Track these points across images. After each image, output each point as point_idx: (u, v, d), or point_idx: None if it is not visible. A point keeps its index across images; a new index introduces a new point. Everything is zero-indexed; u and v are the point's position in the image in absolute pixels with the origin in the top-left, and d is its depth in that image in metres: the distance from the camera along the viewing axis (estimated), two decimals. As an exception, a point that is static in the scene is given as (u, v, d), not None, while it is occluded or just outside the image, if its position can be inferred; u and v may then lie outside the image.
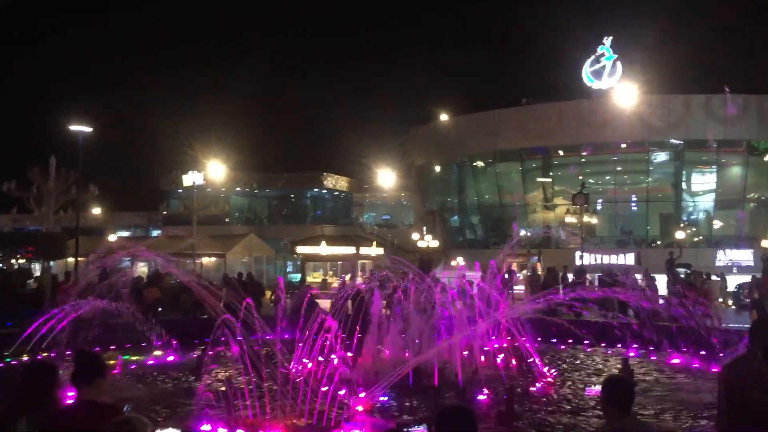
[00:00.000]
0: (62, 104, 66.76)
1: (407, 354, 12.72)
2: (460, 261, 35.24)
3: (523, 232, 44.07)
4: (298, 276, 39.26)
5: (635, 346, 15.81)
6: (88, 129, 27.35)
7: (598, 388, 10.82)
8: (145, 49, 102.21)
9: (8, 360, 13.15)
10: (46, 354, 12.98)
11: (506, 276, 23.56)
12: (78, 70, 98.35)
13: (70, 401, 4.24)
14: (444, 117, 46.14)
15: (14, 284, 25.36)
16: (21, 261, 35.29)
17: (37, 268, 35.69)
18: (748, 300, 22.94)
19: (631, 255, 37.57)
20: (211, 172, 41.62)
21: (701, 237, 40.37)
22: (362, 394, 10.11)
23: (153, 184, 60.91)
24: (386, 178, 55.34)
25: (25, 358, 13.08)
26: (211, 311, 11.78)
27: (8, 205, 37.83)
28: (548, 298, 13.68)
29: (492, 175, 44.20)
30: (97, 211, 56.03)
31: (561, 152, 41.48)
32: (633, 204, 42.42)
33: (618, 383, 4.48)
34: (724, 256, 36.86)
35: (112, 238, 45.74)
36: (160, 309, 20.02)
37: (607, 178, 42.62)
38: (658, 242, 39.74)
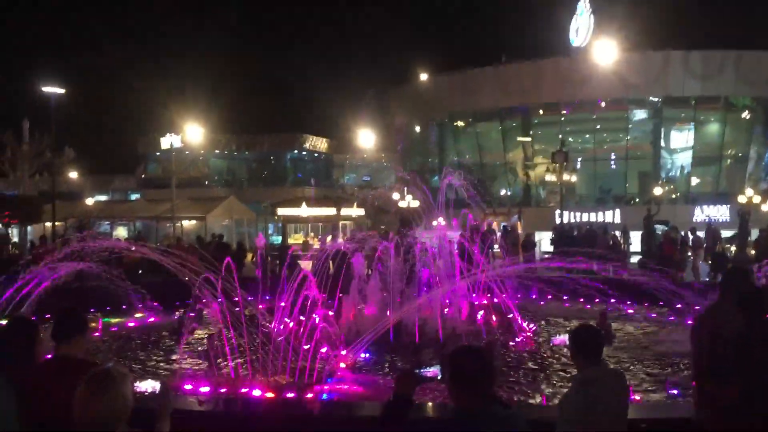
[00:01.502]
0: (35, 66, 65.39)
1: (388, 312, 12.82)
2: (440, 221, 35.29)
3: (503, 191, 44.32)
4: (279, 238, 39.24)
5: (613, 300, 16.03)
6: (60, 90, 26.84)
7: (564, 337, 11.10)
8: (120, 7, 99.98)
9: (-13, 324, 13.04)
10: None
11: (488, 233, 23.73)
12: (49, 30, 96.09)
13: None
14: (423, 76, 45.77)
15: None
16: (-2, 226, 34.88)
17: (14, 233, 35.31)
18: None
19: (610, 213, 37.96)
20: (189, 134, 41.14)
21: (679, 194, 40.81)
22: (343, 352, 10.20)
23: (131, 146, 60.17)
24: (366, 138, 55.01)
25: (3, 321, 12.99)
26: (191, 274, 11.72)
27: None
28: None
29: (472, 134, 44.16)
30: (74, 174, 55.31)
31: (540, 111, 41.45)
32: (612, 162, 42.68)
33: (584, 332, 4.47)
34: (701, 213, 37.35)
35: (89, 201, 45.33)
36: (140, 271, 19.92)
37: (587, 136, 42.75)
38: (637, 200, 40.13)
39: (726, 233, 29.42)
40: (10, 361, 3.91)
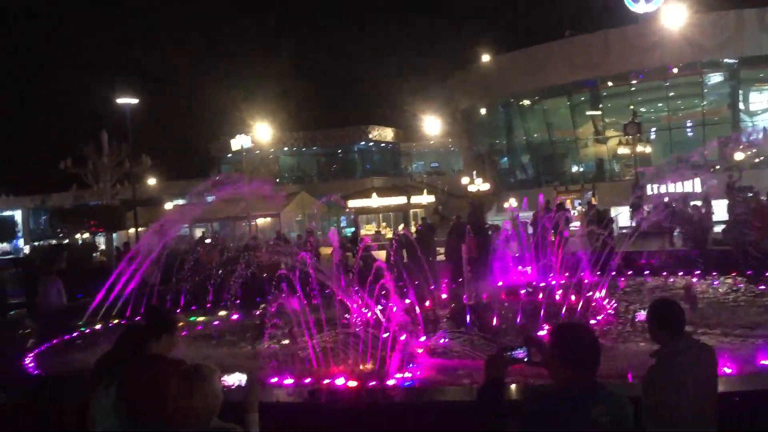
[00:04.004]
0: (109, 79, 67.84)
1: (465, 298, 12.81)
2: (512, 202, 34.91)
3: (575, 168, 43.44)
4: (352, 230, 39.62)
5: (698, 272, 15.53)
6: (134, 101, 27.85)
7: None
8: (183, 15, 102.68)
9: (82, 329, 13.74)
10: (117, 321, 13.59)
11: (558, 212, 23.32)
12: (120, 42, 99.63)
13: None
14: (486, 57, 45.24)
15: (81, 258, 26.34)
16: (85, 236, 36.56)
17: (101, 241, 36.94)
18: None
19: (689, 183, 36.57)
20: (258, 134, 42.03)
21: (762, 158, 39.01)
22: (422, 338, 10.25)
23: (204, 151, 61.91)
24: (432, 125, 54.84)
25: (98, 326, 13.70)
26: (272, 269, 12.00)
27: (69, 182, 38.53)
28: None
29: (539, 112, 43.40)
30: (152, 181, 57.28)
31: (609, 83, 40.34)
32: (688, 129, 41.17)
33: (664, 305, 4.31)
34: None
35: (168, 206, 46.90)
36: (221, 271, 20.49)
37: (660, 105, 41.34)
38: (717, 167, 38.54)
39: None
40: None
